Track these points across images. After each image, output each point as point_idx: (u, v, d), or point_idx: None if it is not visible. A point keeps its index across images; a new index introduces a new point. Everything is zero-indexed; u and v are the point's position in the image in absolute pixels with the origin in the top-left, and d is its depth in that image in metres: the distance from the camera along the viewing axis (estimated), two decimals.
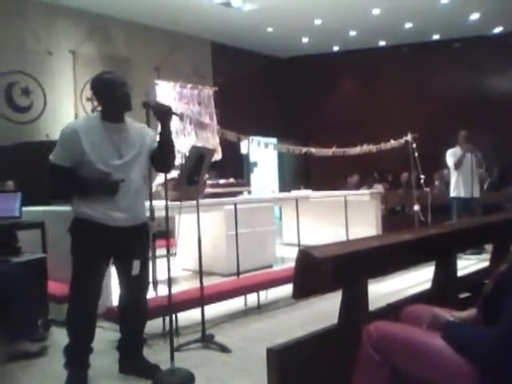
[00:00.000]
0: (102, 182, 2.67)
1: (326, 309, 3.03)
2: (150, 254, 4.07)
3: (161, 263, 4.05)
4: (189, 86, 7.57)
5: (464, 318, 1.74)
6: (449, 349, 1.54)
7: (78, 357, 2.79)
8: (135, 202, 2.84)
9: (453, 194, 6.90)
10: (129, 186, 2.78)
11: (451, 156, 6.81)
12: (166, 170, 2.98)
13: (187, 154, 3.59)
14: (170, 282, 2.86)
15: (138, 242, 2.88)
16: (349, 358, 1.87)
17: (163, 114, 2.82)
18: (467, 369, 1.49)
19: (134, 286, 2.88)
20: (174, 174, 3.88)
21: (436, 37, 11.29)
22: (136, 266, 2.78)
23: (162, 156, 2.89)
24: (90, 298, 2.76)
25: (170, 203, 3.29)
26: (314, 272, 1.97)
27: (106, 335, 3.39)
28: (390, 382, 1.70)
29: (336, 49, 12.13)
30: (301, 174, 12.54)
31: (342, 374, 1.91)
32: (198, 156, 3.45)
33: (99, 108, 2.88)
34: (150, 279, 3.94)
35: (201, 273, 3.50)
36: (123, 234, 2.75)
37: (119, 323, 3.01)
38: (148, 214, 4.03)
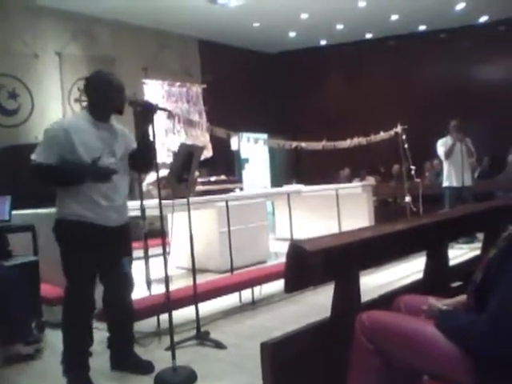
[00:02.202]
0: (96, 167, 2.64)
1: (320, 302, 3.04)
2: (143, 254, 4.07)
3: (154, 262, 4.05)
4: (177, 84, 7.56)
5: (454, 304, 1.74)
6: (442, 337, 1.54)
7: (77, 361, 2.75)
8: (124, 201, 2.86)
9: (445, 183, 6.94)
10: (121, 185, 2.78)
11: (442, 146, 6.84)
12: (146, 170, 2.98)
13: (176, 152, 3.57)
14: (167, 279, 2.85)
15: (125, 241, 2.89)
16: (342, 350, 1.87)
17: (148, 111, 2.79)
18: (460, 357, 1.49)
19: (121, 284, 2.88)
20: (164, 172, 3.86)
21: (422, 28, 11.31)
22: (126, 263, 2.77)
23: (142, 155, 2.87)
24: (87, 301, 2.74)
25: (164, 202, 3.27)
26: (305, 265, 1.97)
27: (99, 336, 3.37)
28: (384, 370, 1.70)
29: (323, 43, 12.12)
30: (292, 169, 12.54)
31: (336, 366, 1.91)
32: (187, 154, 3.43)
33: (85, 104, 2.87)
34: (144, 279, 3.94)
35: (194, 270, 3.49)
36: (112, 234, 2.75)
37: (107, 323, 3.01)
38: (139, 213, 4.05)
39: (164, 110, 3.00)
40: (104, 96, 2.74)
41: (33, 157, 2.68)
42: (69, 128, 2.66)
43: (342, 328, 2.01)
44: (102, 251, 2.76)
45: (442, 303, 1.74)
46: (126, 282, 2.91)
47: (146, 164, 2.95)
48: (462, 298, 1.76)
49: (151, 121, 2.80)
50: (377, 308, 1.97)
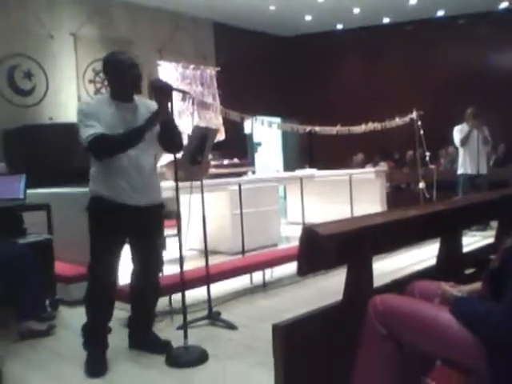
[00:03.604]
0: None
1: (331, 286, 3.05)
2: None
3: (167, 243, 4.08)
4: (191, 66, 7.53)
5: (469, 291, 1.73)
6: (456, 323, 1.54)
7: (97, 336, 2.80)
8: (150, 182, 2.86)
9: (459, 170, 6.89)
10: (144, 166, 2.79)
11: (458, 133, 6.77)
12: (174, 150, 2.92)
13: (190, 134, 3.57)
14: (181, 259, 2.87)
15: (154, 223, 2.90)
16: (353, 334, 1.88)
17: (164, 90, 2.77)
18: (475, 343, 1.49)
19: (149, 265, 2.92)
20: (178, 154, 3.87)
21: (440, 13, 11.11)
22: (157, 245, 2.80)
23: (164, 136, 2.86)
24: (110, 276, 2.79)
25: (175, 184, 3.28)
26: (318, 249, 1.97)
27: (116, 314, 3.40)
28: (395, 355, 1.70)
29: (340, 27, 11.97)
30: (305, 153, 12.49)
31: (347, 349, 1.92)
32: (201, 136, 3.43)
33: (108, 88, 2.87)
34: None
35: (206, 252, 3.51)
36: (140, 214, 2.77)
37: (131, 301, 3.05)
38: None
39: (182, 91, 2.98)
40: (118, 78, 2.74)
41: (84, 137, 2.64)
42: (93, 107, 2.72)
43: (354, 312, 2.01)
44: (127, 230, 2.80)
45: (456, 289, 1.73)
46: (153, 265, 2.95)
47: (170, 144, 2.90)
48: (477, 285, 1.75)
49: (170, 101, 2.79)
50: (389, 293, 1.96)
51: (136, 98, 2.86)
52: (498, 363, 1.44)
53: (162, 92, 2.75)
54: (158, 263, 3.02)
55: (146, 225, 2.83)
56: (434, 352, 1.62)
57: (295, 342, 1.97)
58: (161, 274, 3.88)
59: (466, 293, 1.73)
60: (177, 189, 2.94)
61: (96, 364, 2.71)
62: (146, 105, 2.88)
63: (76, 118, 2.74)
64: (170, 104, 2.77)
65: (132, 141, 2.69)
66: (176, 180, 2.99)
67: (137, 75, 2.78)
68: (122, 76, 2.74)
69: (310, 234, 1.99)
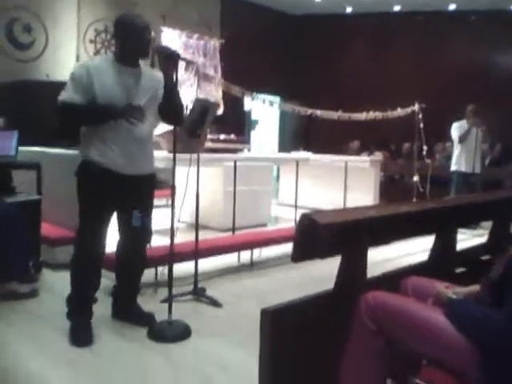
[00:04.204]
0: (125, 108, 2.56)
1: (318, 271, 3.02)
2: None
3: (156, 214, 4.02)
4: (195, 36, 7.38)
5: (466, 294, 1.71)
6: (449, 325, 1.52)
7: (82, 306, 2.74)
8: (146, 151, 2.79)
9: (453, 167, 6.85)
10: (142, 136, 2.71)
11: (457, 129, 6.72)
12: (175, 122, 2.84)
13: (191, 106, 3.48)
14: (172, 232, 2.83)
15: (145, 193, 2.84)
16: (343, 324, 1.85)
17: (171, 59, 2.68)
18: (467, 347, 1.47)
19: (137, 236, 2.85)
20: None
21: (452, 7, 10.95)
22: (136, 216, 2.73)
23: (168, 107, 2.77)
24: (97, 244, 2.72)
25: (171, 155, 3.21)
26: (315, 237, 1.93)
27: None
28: (384, 351, 1.68)
29: (349, 10, 11.77)
30: (301, 136, 12.40)
31: (336, 339, 1.90)
32: (202, 109, 3.36)
33: (113, 50, 2.79)
34: None
35: (197, 227, 3.47)
36: (131, 184, 2.70)
37: (116, 271, 2.99)
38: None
39: (188, 60, 2.90)
40: (129, 39, 2.64)
41: (60, 97, 2.62)
42: (91, 69, 2.61)
43: (345, 302, 1.98)
44: (117, 199, 2.72)
45: (452, 291, 1.70)
46: (142, 235, 2.88)
47: (171, 115, 2.82)
48: (474, 288, 1.72)
49: (175, 70, 2.70)
50: (381, 286, 1.94)
51: (142, 65, 2.77)
52: (491, 369, 1.42)
53: (169, 60, 2.66)
54: (146, 234, 2.95)
55: (137, 195, 2.76)
56: (424, 352, 1.61)
57: (283, 328, 1.95)
58: (149, 246, 3.86)
59: (461, 295, 1.70)
60: (174, 161, 2.88)
61: (81, 332, 2.66)
62: (151, 74, 2.80)
63: None
64: (175, 73, 2.68)
65: (97, 123, 2.63)
66: (174, 152, 2.93)
67: (148, 39, 2.69)
68: (133, 39, 2.63)
69: (308, 222, 1.96)
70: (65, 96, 2.60)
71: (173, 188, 2.96)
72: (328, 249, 2.02)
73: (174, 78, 2.69)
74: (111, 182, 2.65)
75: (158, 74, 2.76)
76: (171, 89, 2.70)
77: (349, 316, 1.83)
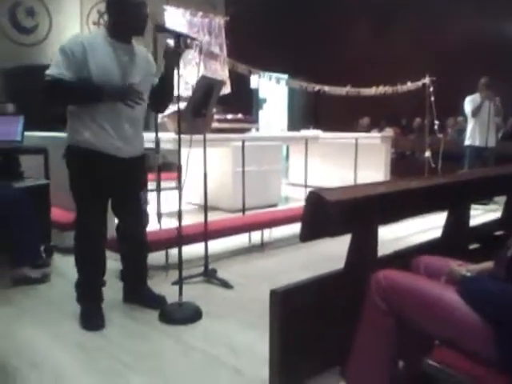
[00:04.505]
0: (124, 90, 2.49)
1: (328, 251, 2.99)
2: (155, 187, 4.02)
3: (166, 196, 4.01)
4: (199, 14, 7.26)
5: (479, 271, 1.66)
6: (462, 304, 1.47)
7: (91, 291, 2.72)
8: (138, 131, 2.73)
9: (467, 142, 6.74)
10: (136, 117, 2.65)
11: (470, 103, 6.60)
12: (160, 110, 2.88)
13: (195, 84, 3.42)
14: (180, 214, 2.80)
15: (140, 174, 2.81)
16: (354, 304, 1.82)
17: (175, 56, 2.65)
18: (480, 325, 1.42)
19: (134, 218, 2.82)
20: (181, 105, 3.74)
21: None
22: (144, 198, 2.70)
23: (160, 94, 2.75)
24: (98, 230, 2.68)
25: (177, 136, 3.17)
26: (323, 215, 1.89)
27: (112, 265, 3.36)
28: (395, 332, 1.65)
29: None
30: (310, 114, 12.25)
31: (346, 319, 1.87)
32: (207, 87, 3.29)
33: (106, 24, 2.65)
34: (155, 212, 3.90)
35: (206, 208, 3.44)
36: (127, 165, 2.65)
37: (120, 256, 2.97)
38: (153, 145, 3.96)
39: (189, 37, 2.84)
40: (122, 13, 2.52)
41: (48, 72, 2.46)
42: (86, 44, 2.47)
43: (356, 282, 1.95)
44: (113, 182, 2.65)
45: (465, 268, 1.66)
46: (140, 217, 2.86)
47: (161, 103, 2.82)
48: (487, 264, 1.67)
49: (177, 66, 2.65)
50: (392, 264, 1.90)
51: (135, 43, 2.68)
52: (506, 347, 1.38)
53: (173, 57, 2.65)
54: (143, 217, 2.91)
55: (130, 177, 2.72)
56: (436, 332, 1.57)
57: (293, 308, 1.92)
58: (158, 227, 3.85)
59: (475, 272, 1.66)
60: (179, 141, 2.83)
61: (92, 317, 2.65)
62: (144, 54, 2.73)
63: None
64: (176, 69, 2.67)
65: (90, 103, 2.51)
66: (179, 133, 2.88)
67: (145, 15, 2.58)
68: (128, 13, 2.52)
69: (316, 199, 1.92)
70: (55, 71, 2.44)
71: (179, 170, 2.92)
72: (337, 227, 1.98)
73: (175, 73, 2.68)
74: (107, 166, 2.58)
75: (149, 56, 2.75)
76: (171, 84, 2.70)
77: (359, 296, 1.80)
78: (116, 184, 2.67)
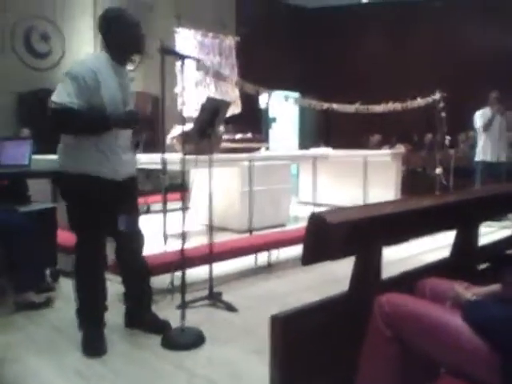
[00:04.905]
0: (122, 115, 2.50)
1: (337, 271, 2.91)
2: (162, 207, 4.01)
3: (171, 217, 3.98)
4: (210, 35, 7.33)
5: (486, 294, 1.60)
6: (467, 330, 1.41)
7: (92, 316, 2.68)
8: (130, 153, 2.73)
9: (478, 157, 6.64)
10: (127, 137, 2.66)
11: (480, 117, 6.52)
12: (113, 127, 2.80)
13: (201, 106, 3.42)
14: (184, 236, 2.79)
15: (134, 195, 2.81)
16: (358, 329, 1.76)
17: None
18: (485, 352, 1.36)
19: (132, 240, 2.79)
20: (189, 126, 3.74)
21: None
22: (122, 220, 2.64)
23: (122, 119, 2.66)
24: (99, 254, 2.66)
25: (187, 157, 3.16)
26: (325, 238, 1.84)
27: (113, 289, 3.34)
28: (399, 358, 1.59)
29: (365, 0, 11.58)
30: (321, 132, 12.24)
31: (349, 345, 1.81)
32: (213, 109, 3.29)
33: (105, 48, 2.63)
34: (161, 233, 3.88)
35: (211, 229, 3.41)
36: (123, 188, 2.64)
37: (121, 277, 2.92)
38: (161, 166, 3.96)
39: (198, 60, 2.85)
40: (124, 33, 2.52)
41: (54, 98, 2.40)
42: (96, 70, 2.45)
43: (359, 306, 1.89)
44: (109, 206, 2.62)
45: (471, 292, 1.59)
46: (136, 239, 2.82)
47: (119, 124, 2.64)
48: (495, 287, 1.61)
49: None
50: (398, 287, 1.84)
51: None
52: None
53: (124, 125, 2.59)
54: (139, 238, 2.84)
55: (128, 198, 2.72)
56: (440, 359, 1.50)
57: (295, 334, 1.86)
58: (164, 249, 3.81)
59: (481, 296, 1.59)
60: (183, 162, 2.84)
61: (94, 342, 2.60)
62: (127, 72, 2.71)
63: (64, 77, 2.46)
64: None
65: (95, 131, 2.48)
66: (184, 154, 2.88)
67: (140, 33, 2.59)
68: (130, 33, 2.53)
69: (318, 222, 1.86)
70: (66, 100, 2.38)
71: (183, 190, 2.91)
72: (339, 250, 1.92)
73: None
74: (107, 190, 2.56)
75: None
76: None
77: (363, 320, 1.74)
78: (114, 206, 2.65)
